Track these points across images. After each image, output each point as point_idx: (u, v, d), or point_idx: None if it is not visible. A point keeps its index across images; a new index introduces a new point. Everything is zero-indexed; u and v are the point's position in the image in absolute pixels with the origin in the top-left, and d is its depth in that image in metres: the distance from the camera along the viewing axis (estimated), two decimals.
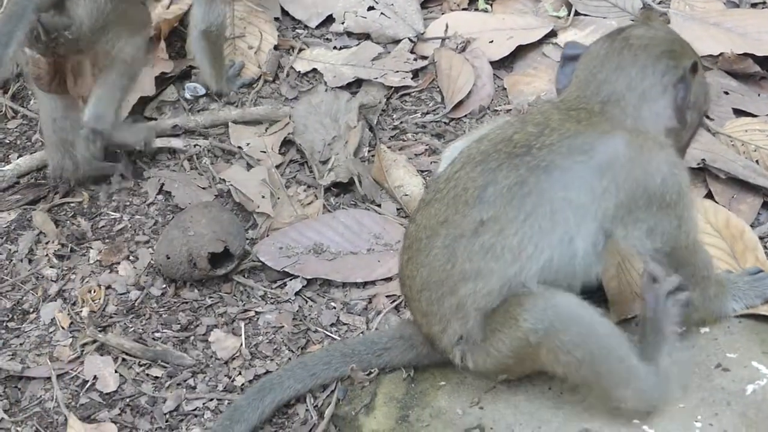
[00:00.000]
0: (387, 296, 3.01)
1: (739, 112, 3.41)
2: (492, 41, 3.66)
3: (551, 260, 2.44)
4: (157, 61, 3.74)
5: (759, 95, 3.50)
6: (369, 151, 3.38)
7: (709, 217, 3.01)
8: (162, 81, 3.69)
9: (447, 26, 3.69)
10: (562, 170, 2.43)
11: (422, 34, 3.71)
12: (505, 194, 2.44)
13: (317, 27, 3.78)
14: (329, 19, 3.77)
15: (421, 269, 2.55)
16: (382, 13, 3.76)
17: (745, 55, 3.51)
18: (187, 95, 3.59)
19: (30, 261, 3.16)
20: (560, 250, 2.44)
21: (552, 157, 2.43)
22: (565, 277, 2.49)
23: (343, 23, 3.76)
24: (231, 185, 3.27)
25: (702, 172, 3.16)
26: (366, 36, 3.75)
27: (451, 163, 2.59)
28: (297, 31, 3.79)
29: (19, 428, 2.74)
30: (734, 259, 2.94)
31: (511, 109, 3.47)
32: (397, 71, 3.59)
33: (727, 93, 3.44)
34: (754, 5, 3.76)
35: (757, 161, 3.24)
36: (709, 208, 3.04)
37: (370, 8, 3.78)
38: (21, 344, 2.95)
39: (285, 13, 3.82)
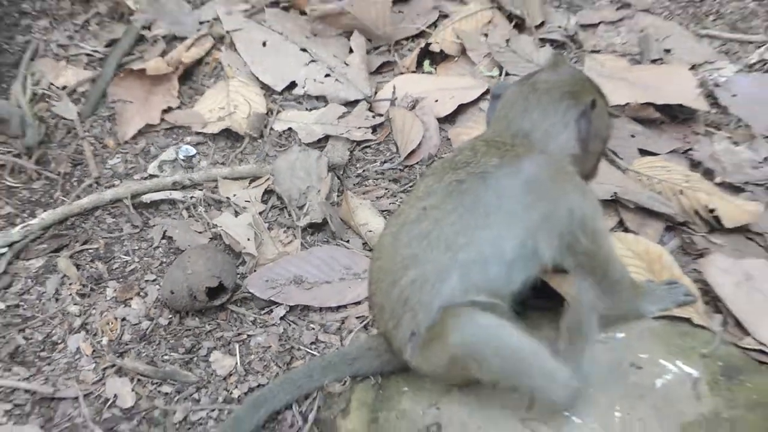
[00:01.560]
0: (357, 317, 3.08)
1: (643, 152, 3.51)
2: (437, 100, 3.71)
3: (481, 256, 2.49)
4: (167, 95, 3.83)
5: (660, 137, 3.60)
6: (338, 196, 3.43)
7: (630, 246, 3.10)
8: (161, 118, 3.79)
9: (394, 88, 3.71)
10: (495, 180, 2.51)
11: (371, 96, 3.75)
12: (446, 188, 2.52)
13: (281, 92, 3.82)
14: (292, 85, 3.81)
15: (377, 262, 2.64)
16: (336, 79, 3.82)
17: (647, 104, 3.62)
18: (181, 156, 3.62)
19: (56, 300, 3.21)
20: (491, 249, 2.49)
21: (486, 170, 2.52)
22: (495, 277, 2.53)
23: (304, 87, 3.80)
24: (222, 230, 3.32)
25: (614, 203, 3.23)
26: (323, 98, 3.81)
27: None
28: (273, 96, 3.83)
29: None
30: (652, 275, 3.01)
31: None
32: (359, 127, 3.66)
33: (633, 136, 3.54)
34: (653, 61, 3.84)
35: (659, 192, 3.34)
36: (631, 239, 3.12)
37: (327, 75, 3.84)
38: (52, 370, 3.01)
39: (254, 77, 3.86)
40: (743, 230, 3.25)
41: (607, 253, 2.65)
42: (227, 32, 4.03)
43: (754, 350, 2.87)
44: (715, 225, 3.26)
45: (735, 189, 3.41)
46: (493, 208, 2.50)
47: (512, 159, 2.55)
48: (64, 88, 3.90)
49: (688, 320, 2.87)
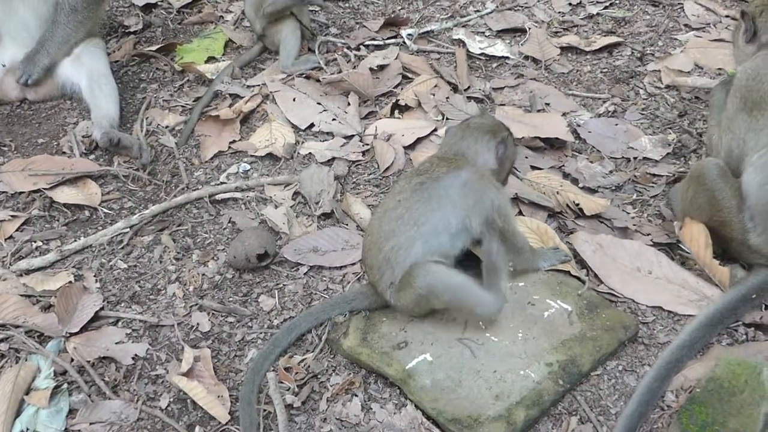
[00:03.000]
0: (353, 273, 2.98)
1: (533, 167, 3.42)
2: (403, 135, 3.61)
3: (436, 230, 2.47)
4: (233, 131, 3.73)
5: (543, 158, 3.52)
6: (340, 196, 3.33)
7: (528, 224, 3.04)
8: (229, 146, 3.67)
9: (376, 128, 3.63)
10: (444, 181, 2.49)
11: (362, 132, 3.65)
12: (413, 187, 2.50)
13: (304, 129, 3.71)
14: (311, 125, 3.72)
15: (368, 236, 2.58)
16: (339, 122, 3.72)
17: (535, 137, 3.53)
18: (241, 170, 3.53)
19: (160, 262, 3.10)
20: (442, 224, 2.48)
21: (439, 175, 2.51)
22: (444, 243, 2.52)
23: (319, 127, 3.70)
24: (267, 217, 3.23)
25: (516, 200, 3.14)
26: (331, 134, 3.69)
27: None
28: (300, 132, 3.72)
29: (158, 353, 2.73)
30: (542, 244, 2.96)
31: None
32: (354, 152, 3.57)
33: (527, 157, 3.46)
34: (539, 110, 3.75)
35: (543, 193, 3.24)
36: (528, 220, 3.07)
37: (333, 119, 3.74)
38: (157, 307, 2.91)
39: (288, 121, 3.76)
40: (597, 217, 3.18)
41: (513, 229, 2.64)
42: (271, 92, 3.93)
43: (606, 293, 2.83)
44: (579, 213, 3.18)
45: (591, 191, 3.34)
46: (444, 199, 2.49)
47: (455, 169, 2.55)
48: (167, 127, 3.78)
49: (567, 272, 2.82)
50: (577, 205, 3.17)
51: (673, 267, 2.92)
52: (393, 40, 4.35)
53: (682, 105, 3.87)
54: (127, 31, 4.45)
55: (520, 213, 3.13)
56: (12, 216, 3.31)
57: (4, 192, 3.42)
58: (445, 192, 2.53)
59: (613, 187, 3.37)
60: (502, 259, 2.58)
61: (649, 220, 3.20)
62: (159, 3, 4.69)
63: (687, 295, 2.81)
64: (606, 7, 4.67)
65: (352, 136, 3.67)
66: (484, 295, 2.53)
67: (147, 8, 4.63)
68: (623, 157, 3.55)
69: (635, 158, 3.52)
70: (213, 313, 2.88)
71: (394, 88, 3.98)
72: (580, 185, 3.34)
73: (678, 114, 3.80)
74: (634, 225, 3.14)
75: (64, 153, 3.64)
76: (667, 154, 3.55)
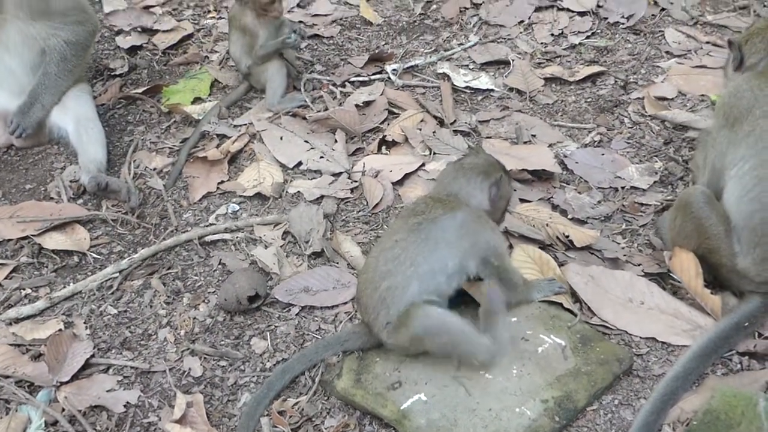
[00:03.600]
0: (345, 312, 2.96)
1: (522, 200, 3.42)
2: (391, 171, 3.60)
3: (432, 270, 2.46)
4: (221, 172, 3.71)
5: (531, 190, 3.51)
6: (330, 234, 3.31)
7: (530, 253, 3.04)
8: (217, 187, 3.65)
9: (364, 164, 3.62)
10: (441, 223, 2.49)
11: (350, 169, 3.64)
12: (410, 228, 2.48)
13: (292, 168, 3.70)
14: (299, 163, 3.70)
15: (363, 275, 2.56)
16: (327, 159, 3.71)
17: (523, 169, 3.53)
18: (230, 211, 3.51)
19: (150, 306, 3.07)
20: (438, 265, 2.47)
21: (435, 216, 2.50)
22: (440, 284, 2.50)
23: (307, 165, 3.70)
24: (257, 258, 3.21)
25: (506, 233, 3.12)
26: (319, 172, 3.67)
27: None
28: (288, 171, 3.71)
29: (150, 400, 2.69)
30: (542, 274, 2.95)
31: (402, 206, 3.46)
32: (342, 190, 3.55)
33: (515, 190, 3.40)
34: (525, 142, 3.76)
35: (533, 225, 3.23)
36: (530, 249, 3.06)
37: (321, 157, 3.73)
38: (149, 353, 2.88)
39: (275, 160, 3.74)
40: (588, 248, 3.17)
41: (508, 266, 2.65)
42: (258, 131, 3.91)
43: (599, 326, 2.81)
44: (569, 245, 3.16)
45: (581, 222, 3.33)
46: (440, 240, 2.49)
47: (450, 210, 2.55)
48: (154, 169, 3.76)
49: (559, 305, 2.80)
50: (567, 237, 3.15)
51: (665, 297, 2.90)
52: (378, 76, 4.36)
53: (667, 133, 3.89)
54: (113, 74, 4.44)
55: (511, 247, 3.10)
56: (0, 264, 3.28)
57: None
58: (442, 234, 2.53)
59: (602, 218, 3.37)
60: (501, 305, 2.56)
61: (640, 250, 3.19)
62: (144, 45, 4.69)
63: (680, 325, 2.80)
64: (588, 37, 4.69)
65: (341, 173, 3.66)
66: (481, 340, 2.51)
67: (132, 50, 4.63)
68: (611, 187, 3.55)
69: (623, 188, 3.52)
70: (205, 358, 2.85)
71: (380, 123, 3.98)
72: (570, 216, 3.33)
73: (663, 142, 3.81)
74: (624, 255, 3.14)
75: (51, 198, 3.62)
76: (654, 182, 3.55)
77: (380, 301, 2.54)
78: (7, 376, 2.79)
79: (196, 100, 4.23)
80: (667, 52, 4.57)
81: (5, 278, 3.23)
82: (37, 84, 3.78)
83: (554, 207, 3.41)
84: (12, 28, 3.70)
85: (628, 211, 3.42)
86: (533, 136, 3.87)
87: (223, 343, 2.91)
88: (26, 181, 3.74)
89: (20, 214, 3.47)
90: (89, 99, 3.94)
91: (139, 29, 4.77)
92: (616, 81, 4.31)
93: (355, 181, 3.61)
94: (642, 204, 3.46)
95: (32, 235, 3.38)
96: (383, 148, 3.83)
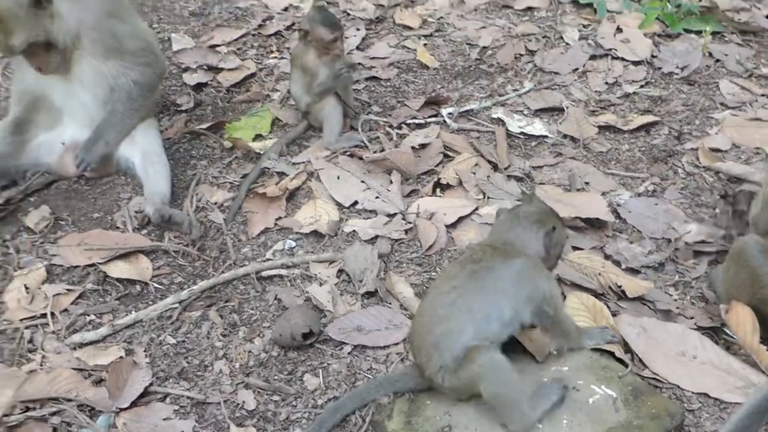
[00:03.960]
0: (397, 353, 2.99)
1: (575, 248, 3.42)
2: (445, 213, 3.62)
3: (488, 317, 2.47)
4: (279, 209, 3.77)
5: (584, 238, 3.51)
6: (383, 274, 3.34)
7: (584, 301, 3.04)
8: (275, 223, 3.71)
9: (418, 206, 3.65)
10: (497, 271, 2.51)
11: (404, 211, 3.67)
12: (468, 275, 2.49)
13: (348, 207, 3.74)
14: (355, 203, 3.74)
15: (418, 318, 2.59)
16: (382, 200, 3.74)
17: (576, 217, 3.53)
18: (286, 247, 3.55)
19: (207, 338, 3.13)
20: (495, 313, 2.48)
21: (493, 264, 2.52)
22: (495, 331, 2.50)
23: (362, 205, 3.73)
24: (312, 295, 3.25)
25: (559, 281, 3.11)
26: (374, 212, 3.71)
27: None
28: (343, 210, 3.75)
29: (204, 431, 2.74)
30: (594, 322, 2.95)
31: (456, 249, 3.49)
32: (397, 230, 3.58)
33: (567, 237, 3.36)
34: (578, 190, 3.75)
35: (586, 274, 3.24)
36: (585, 297, 3.07)
37: (377, 197, 3.77)
38: (204, 384, 2.93)
39: (332, 198, 3.79)
40: (640, 299, 3.17)
41: (562, 314, 2.66)
42: (315, 170, 3.98)
43: (650, 378, 2.79)
44: (622, 295, 3.16)
45: (634, 272, 3.32)
46: (497, 288, 2.51)
47: (507, 258, 2.56)
48: (215, 203, 3.84)
49: (611, 354, 2.79)
50: (620, 286, 3.15)
51: (717, 352, 2.88)
52: (434, 119, 4.40)
53: (721, 184, 3.86)
54: (179, 109, 4.56)
55: (563, 294, 3.10)
56: (67, 289, 3.37)
57: (60, 265, 3.49)
58: (500, 282, 2.55)
59: (655, 268, 3.35)
60: (554, 397, 2.59)
61: (692, 303, 3.17)
62: (209, 82, 4.82)
63: (733, 382, 2.76)
64: (642, 86, 4.70)
65: (395, 214, 3.70)
66: (524, 410, 2.53)
67: (198, 87, 4.76)
68: (664, 238, 3.53)
69: (676, 239, 3.50)
70: (258, 391, 2.89)
71: (435, 166, 4.02)
72: (622, 266, 3.33)
73: (718, 194, 3.77)
74: (677, 308, 3.12)
75: (117, 228, 3.71)
76: (708, 234, 3.52)
77: (434, 345, 2.55)
78: (70, 399, 2.86)
79: (257, 137, 4.32)
80: (721, 104, 4.55)
81: (71, 303, 3.31)
82: (103, 121, 3.89)
83: (607, 256, 3.40)
84: (86, 64, 3.82)
85: (681, 263, 3.40)
86: (586, 183, 3.87)
87: (276, 377, 2.95)
88: (94, 209, 3.85)
89: (88, 241, 3.56)
90: (156, 133, 4.05)
91: (205, 67, 4.89)
92: (670, 131, 4.30)
93: (410, 223, 3.64)
94: (695, 255, 3.44)
95: (98, 263, 3.46)
96: (438, 190, 3.86)
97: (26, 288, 3.33)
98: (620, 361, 2.82)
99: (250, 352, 3.07)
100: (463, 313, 2.52)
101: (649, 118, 4.36)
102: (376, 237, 3.57)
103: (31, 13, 3.47)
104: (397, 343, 3.02)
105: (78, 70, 3.83)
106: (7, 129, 3.92)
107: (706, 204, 3.76)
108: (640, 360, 2.86)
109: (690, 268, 3.37)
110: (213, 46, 5.16)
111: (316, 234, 3.64)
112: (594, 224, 3.58)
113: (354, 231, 3.62)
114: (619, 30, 5.14)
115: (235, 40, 5.26)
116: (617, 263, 3.35)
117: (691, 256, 3.41)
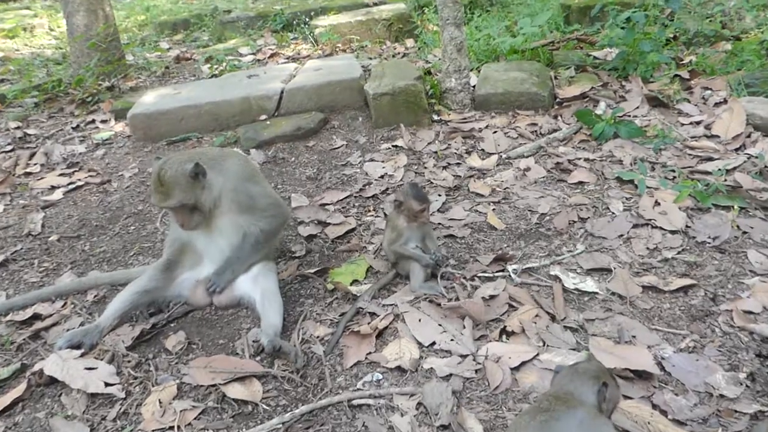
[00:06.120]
0: None
1: (625, 397, 3.19)
2: (510, 357, 3.48)
3: None
4: (369, 345, 3.68)
5: (633, 387, 3.28)
6: (456, 409, 3.18)
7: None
8: (366, 357, 3.58)
9: (487, 349, 3.53)
10: (564, 420, 2.37)
11: (475, 353, 3.55)
12: (537, 424, 2.36)
13: (428, 346, 3.59)
14: (433, 343, 3.63)
15: None
16: (456, 342, 3.62)
17: (625, 368, 3.33)
18: (374, 379, 3.46)
19: None
20: None
21: (559, 415, 2.37)
22: None
23: (440, 345, 3.59)
24: (394, 424, 3.10)
25: (615, 427, 2.88)
26: (449, 352, 3.59)
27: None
28: (423, 348, 3.62)
29: None
30: None
31: (519, 390, 3.32)
32: (468, 370, 3.45)
33: (618, 387, 3.18)
34: (626, 343, 3.51)
35: (636, 422, 3.01)
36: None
37: (452, 339, 3.62)
38: None
39: (413, 338, 3.69)
40: None
41: None
42: (401, 312, 3.93)
43: None
44: None
45: (680, 423, 3.06)
46: None
47: (570, 408, 2.42)
48: (317, 337, 3.81)
49: None
50: None
51: None
52: (500, 273, 4.33)
53: (755, 344, 3.58)
54: (293, 255, 4.65)
55: None
56: (192, 406, 3.34)
57: (188, 384, 3.48)
58: (566, 428, 2.39)
59: (699, 421, 3.08)
60: None
61: None
62: (318, 234, 4.92)
63: None
64: (678, 253, 4.52)
65: (467, 355, 3.57)
66: None
67: (309, 238, 4.87)
68: (706, 392, 3.26)
69: (718, 395, 3.22)
70: None
71: (501, 315, 3.90)
72: (669, 417, 3.08)
73: (754, 353, 3.49)
74: None
75: (237, 354, 3.71)
76: (744, 390, 3.25)
77: None
78: None
79: (354, 282, 4.33)
80: (750, 270, 4.31)
81: (194, 419, 3.27)
82: (232, 255, 4.03)
83: (654, 406, 3.16)
84: (225, 218, 4.00)
85: (723, 417, 3.11)
86: (633, 336, 3.66)
87: None
88: (220, 336, 3.88)
89: (213, 365, 3.56)
90: (274, 276, 4.11)
91: (315, 221, 5.02)
92: (705, 293, 4.08)
93: (479, 364, 3.50)
94: (736, 411, 3.13)
95: (219, 384, 3.44)
96: (503, 336, 3.73)
97: (160, 402, 3.32)
98: None
99: None
100: None
101: (686, 281, 4.16)
102: (450, 375, 3.44)
103: (189, 182, 3.67)
104: None
105: (219, 223, 4.00)
106: (160, 267, 4.07)
107: (743, 361, 3.47)
108: None
109: (731, 422, 3.06)
110: (323, 205, 5.32)
111: (399, 369, 3.54)
112: (641, 375, 3.36)
113: (432, 368, 3.50)
114: (657, 203, 5.03)
115: (341, 200, 5.41)
116: (664, 413, 3.10)
117: (732, 412, 3.11)
